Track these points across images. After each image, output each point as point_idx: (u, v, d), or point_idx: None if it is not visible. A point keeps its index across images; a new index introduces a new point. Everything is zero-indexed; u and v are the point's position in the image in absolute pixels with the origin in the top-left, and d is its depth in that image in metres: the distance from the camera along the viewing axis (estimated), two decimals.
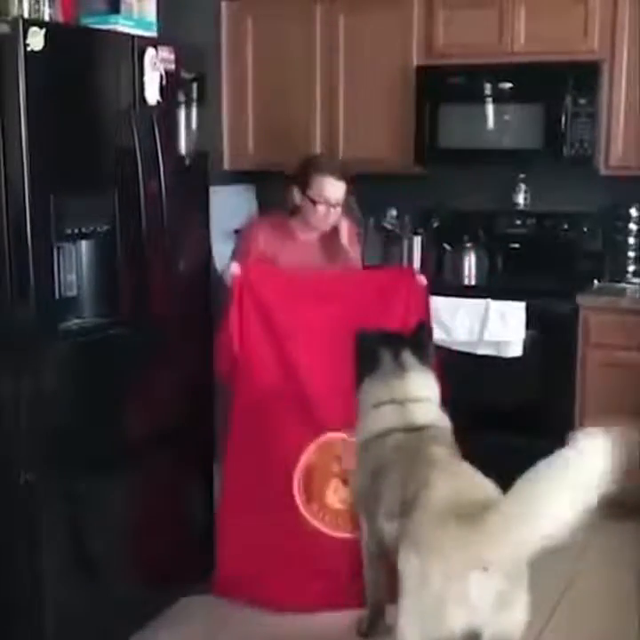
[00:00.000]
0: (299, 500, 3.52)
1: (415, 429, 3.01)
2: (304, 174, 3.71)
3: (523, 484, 2.42)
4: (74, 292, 2.95)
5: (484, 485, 2.72)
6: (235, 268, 3.50)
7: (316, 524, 3.53)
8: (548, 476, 2.41)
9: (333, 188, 3.66)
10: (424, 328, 3.32)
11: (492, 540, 2.43)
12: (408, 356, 3.12)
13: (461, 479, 2.76)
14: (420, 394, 3.11)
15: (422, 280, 3.73)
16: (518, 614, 2.59)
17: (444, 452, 2.92)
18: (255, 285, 3.49)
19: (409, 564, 2.57)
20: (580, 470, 2.39)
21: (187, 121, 3.34)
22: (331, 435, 3.53)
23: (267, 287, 3.52)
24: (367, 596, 3.29)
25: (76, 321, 2.95)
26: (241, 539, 3.49)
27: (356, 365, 3.16)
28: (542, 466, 2.43)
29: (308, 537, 3.51)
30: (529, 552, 2.44)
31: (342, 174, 3.70)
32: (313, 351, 3.48)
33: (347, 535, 3.50)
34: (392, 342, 3.15)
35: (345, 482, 3.53)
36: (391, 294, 3.64)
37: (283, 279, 3.60)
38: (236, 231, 5.11)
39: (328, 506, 3.55)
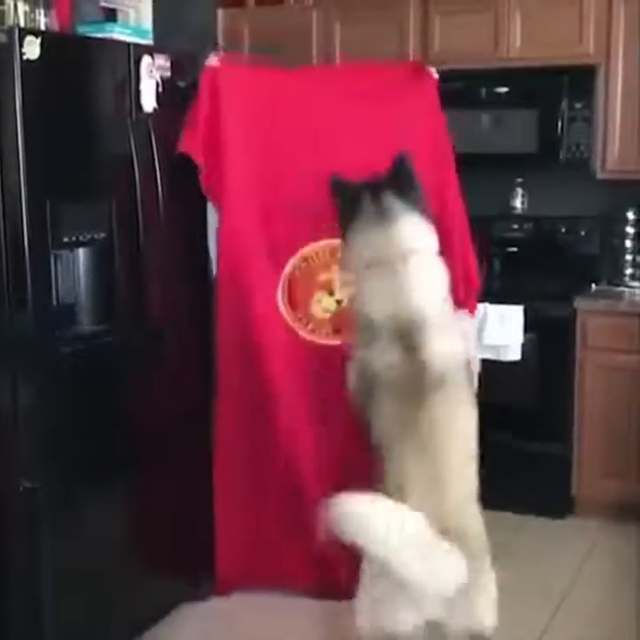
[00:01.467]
0: (283, 309, 3.50)
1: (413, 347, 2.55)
2: None
3: None
4: (72, 300, 2.96)
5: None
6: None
7: (302, 333, 3.52)
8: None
9: None
10: (404, 160, 2.74)
11: None
12: (391, 200, 2.66)
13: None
14: (413, 245, 2.64)
15: (433, 74, 3.63)
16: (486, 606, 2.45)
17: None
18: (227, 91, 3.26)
19: None
20: None
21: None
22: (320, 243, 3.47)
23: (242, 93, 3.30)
24: None
25: (74, 329, 2.95)
26: (237, 517, 3.50)
27: (337, 216, 2.80)
28: None
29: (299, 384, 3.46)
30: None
31: None
32: (300, 164, 3.33)
33: (335, 342, 3.47)
34: (372, 185, 2.71)
35: (331, 293, 3.53)
36: (399, 94, 3.52)
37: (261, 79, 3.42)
38: None
39: (313, 315, 3.54)
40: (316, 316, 3.55)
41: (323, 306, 3.56)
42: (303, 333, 3.54)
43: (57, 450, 2.84)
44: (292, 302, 3.52)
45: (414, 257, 2.61)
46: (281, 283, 3.50)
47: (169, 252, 3.23)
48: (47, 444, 2.82)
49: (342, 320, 3.35)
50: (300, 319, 3.54)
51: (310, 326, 3.55)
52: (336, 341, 3.46)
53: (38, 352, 2.78)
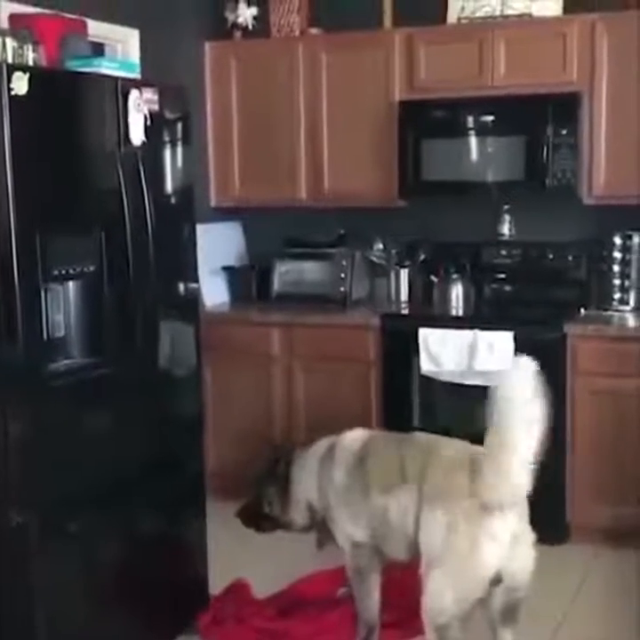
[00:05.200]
0: None
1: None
2: None
3: (491, 429, 2.88)
4: (62, 333, 2.96)
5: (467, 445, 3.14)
6: None
7: None
8: (505, 411, 2.85)
9: None
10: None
11: (494, 482, 2.86)
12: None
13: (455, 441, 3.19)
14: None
15: None
16: (529, 549, 2.96)
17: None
18: None
19: (435, 522, 2.95)
20: (521, 388, 2.86)
21: (172, 160, 3.37)
22: None
23: None
24: (359, 613, 3.31)
25: (65, 362, 2.96)
26: None
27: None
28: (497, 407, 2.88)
29: None
30: (525, 485, 2.85)
31: None
32: None
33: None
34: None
35: None
36: None
37: None
38: (225, 268, 5.16)
39: None
40: None
41: None
42: None
43: (49, 483, 2.83)
44: None
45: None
46: None
47: (159, 282, 3.23)
48: (39, 478, 2.80)
49: None
50: None
51: None
52: None
53: (29, 385, 2.78)
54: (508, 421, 2.85)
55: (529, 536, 2.97)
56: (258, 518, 3.44)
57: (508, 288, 4.83)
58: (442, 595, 2.91)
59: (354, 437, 3.34)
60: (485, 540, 2.88)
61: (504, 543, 2.89)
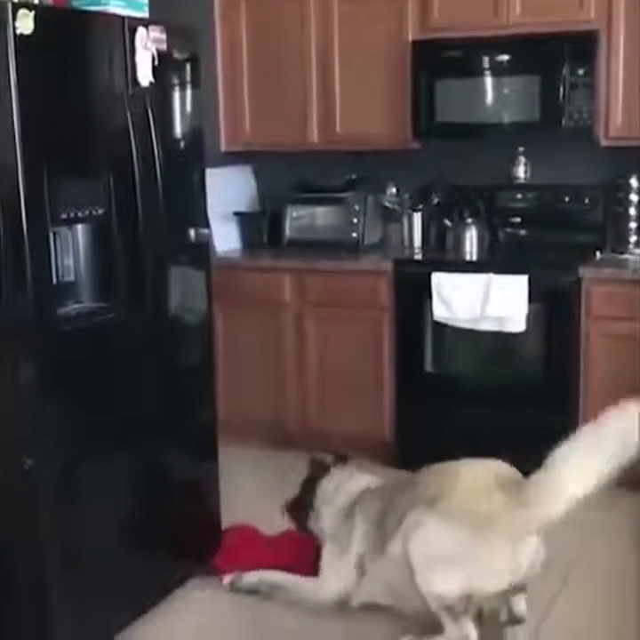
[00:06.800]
0: None
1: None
2: None
3: (556, 455, 2.71)
4: (71, 277, 2.95)
5: (498, 464, 2.97)
6: None
7: None
8: (577, 448, 2.70)
9: None
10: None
11: (538, 507, 2.74)
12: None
13: (478, 464, 3.01)
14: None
15: None
16: (539, 562, 2.95)
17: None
18: None
19: (447, 537, 2.85)
20: (606, 441, 2.68)
21: (181, 102, 3.31)
22: None
23: None
24: None
25: (75, 306, 2.94)
26: None
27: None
28: (573, 439, 2.72)
29: None
30: (561, 515, 2.74)
31: None
32: None
33: None
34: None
35: None
36: None
37: None
38: (236, 213, 5.12)
39: None
40: None
41: None
42: None
43: (59, 427, 2.83)
44: None
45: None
46: None
47: (169, 227, 3.20)
48: (49, 422, 2.80)
49: None
50: None
51: None
52: None
53: (39, 329, 2.76)
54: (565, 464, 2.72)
55: (542, 547, 2.95)
56: (298, 515, 3.51)
57: (522, 232, 4.78)
58: (448, 588, 2.89)
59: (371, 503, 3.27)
60: (503, 569, 2.86)
61: (522, 569, 2.89)
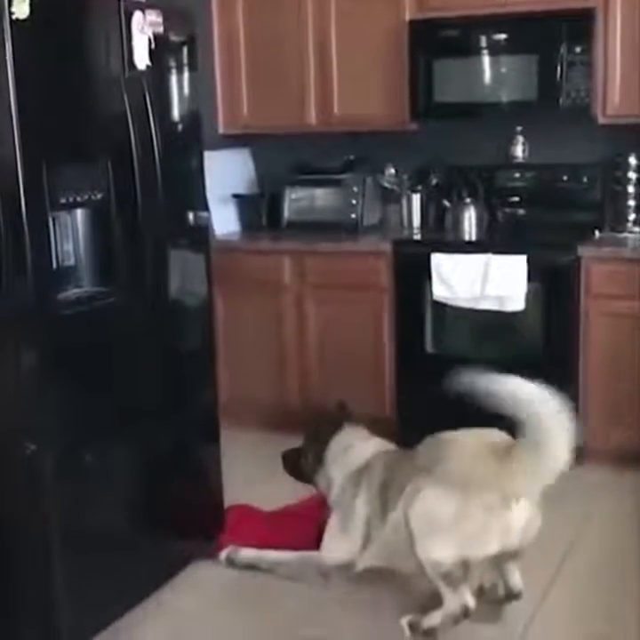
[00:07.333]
0: None
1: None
2: None
3: (536, 421, 2.79)
4: (71, 262, 2.95)
5: (493, 432, 3.02)
6: None
7: None
8: (565, 413, 2.79)
9: None
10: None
11: (528, 470, 2.82)
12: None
13: (474, 432, 3.06)
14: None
15: None
16: (534, 530, 2.98)
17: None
18: None
19: (444, 503, 2.90)
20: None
21: (178, 85, 3.30)
22: None
23: None
24: None
25: (75, 290, 2.95)
26: None
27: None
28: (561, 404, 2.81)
29: None
30: (553, 479, 2.82)
31: None
32: None
33: None
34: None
35: None
36: None
37: None
38: (235, 196, 5.12)
39: None
40: None
41: None
42: None
43: (61, 412, 2.84)
44: None
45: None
46: None
47: (168, 210, 3.19)
48: (51, 407, 2.81)
49: None
50: None
51: None
52: None
53: (39, 314, 2.76)
54: (547, 425, 2.79)
55: (538, 519, 2.98)
56: (295, 466, 3.55)
57: (521, 211, 4.78)
58: (443, 554, 2.93)
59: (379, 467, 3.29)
60: (495, 532, 2.89)
61: (514, 534, 2.92)
